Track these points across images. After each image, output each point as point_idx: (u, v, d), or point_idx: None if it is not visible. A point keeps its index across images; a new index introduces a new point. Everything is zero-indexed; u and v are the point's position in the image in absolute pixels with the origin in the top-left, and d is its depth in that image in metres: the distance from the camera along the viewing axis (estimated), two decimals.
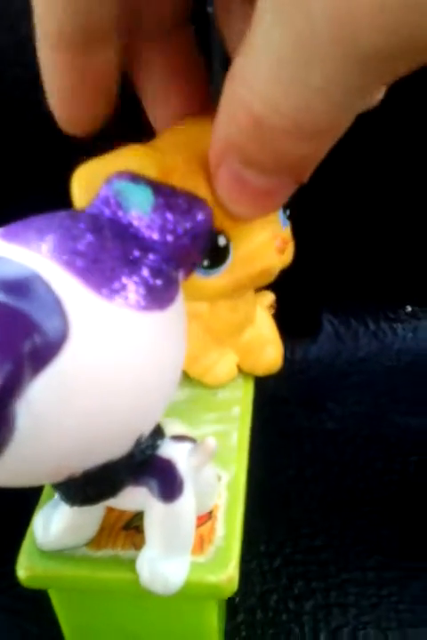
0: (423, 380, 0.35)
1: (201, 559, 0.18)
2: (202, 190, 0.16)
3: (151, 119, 0.19)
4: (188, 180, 0.17)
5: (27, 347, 0.11)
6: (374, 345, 0.36)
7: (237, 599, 0.25)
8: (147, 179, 0.14)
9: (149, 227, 0.14)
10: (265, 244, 0.20)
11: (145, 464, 0.16)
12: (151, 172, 0.16)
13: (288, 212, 0.21)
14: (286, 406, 0.33)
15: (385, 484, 0.29)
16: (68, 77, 0.17)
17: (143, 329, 0.13)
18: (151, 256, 0.14)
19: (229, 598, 0.24)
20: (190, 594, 0.18)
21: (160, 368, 0.14)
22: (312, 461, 0.30)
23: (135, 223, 0.14)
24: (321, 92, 0.12)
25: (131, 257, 0.13)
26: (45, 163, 0.35)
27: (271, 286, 0.28)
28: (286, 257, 0.21)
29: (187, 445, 0.17)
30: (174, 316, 0.14)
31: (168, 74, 0.18)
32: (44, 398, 0.12)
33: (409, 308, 0.37)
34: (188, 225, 0.14)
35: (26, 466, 0.12)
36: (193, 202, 0.14)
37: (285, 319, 0.29)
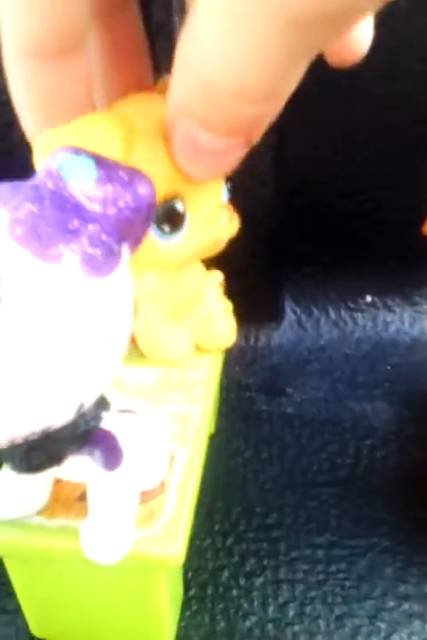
0: (381, 367, 0.36)
1: (149, 532, 0.19)
2: (161, 154, 0.17)
3: (96, 98, 0.19)
4: (149, 144, 0.17)
5: None
6: (334, 333, 0.37)
7: (190, 574, 0.25)
8: (89, 152, 0.15)
9: (90, 199, 0.14)
10: (216, 212, 0.21)
11: (88, 435, 0.17)
12: (117, 135, 0.16)
13: (229, 185, 0.22)
14: (248, 392, 0.34)
15: (338, 467, 0.30)
16: (43, 91, 0.16)
17: (78, 294, 0.13)
18: (91, 227, 0.14)
19: (183, 574, 0.25)
20: (136, 566, 0.19)
21: (98, 336, 0.14)
22: (269, 444, 0.31)
23: (77, 195, 0.14)
24: (255, 55, 0.13)
25: (70, 227, 0.14)
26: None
27: (235, 271, 0.29)
28: (233, 226, 0.22)
29: (130, 417, 0.17)
30: (115, 287, 0.15)
31: (116, 51, 0.18)
32: None
33: (369, 299, 0.38)
34: (128, 198, 0.14)
35: None
36: (134, 175, 0.15)
37: (247, 306, 0.29)
